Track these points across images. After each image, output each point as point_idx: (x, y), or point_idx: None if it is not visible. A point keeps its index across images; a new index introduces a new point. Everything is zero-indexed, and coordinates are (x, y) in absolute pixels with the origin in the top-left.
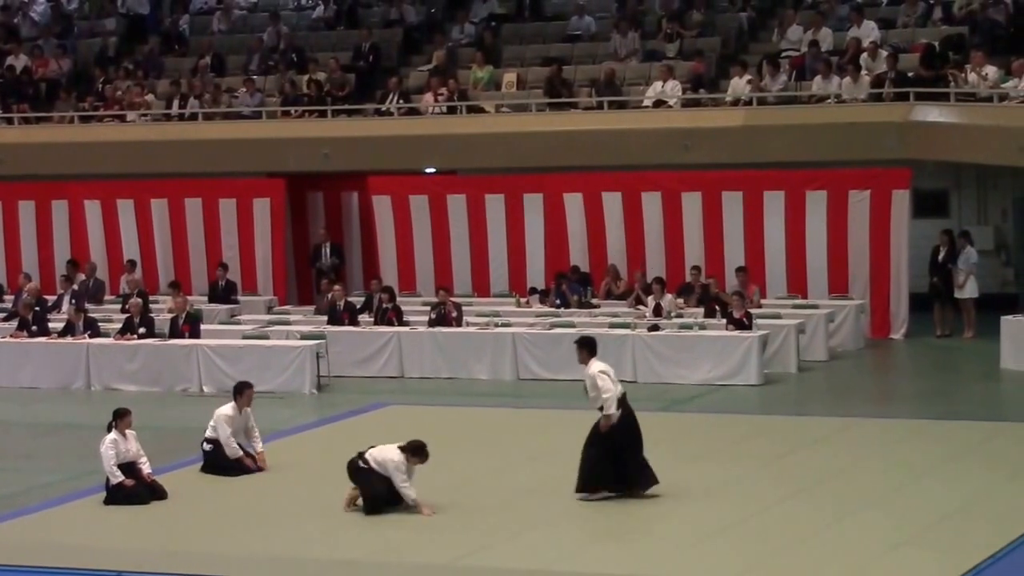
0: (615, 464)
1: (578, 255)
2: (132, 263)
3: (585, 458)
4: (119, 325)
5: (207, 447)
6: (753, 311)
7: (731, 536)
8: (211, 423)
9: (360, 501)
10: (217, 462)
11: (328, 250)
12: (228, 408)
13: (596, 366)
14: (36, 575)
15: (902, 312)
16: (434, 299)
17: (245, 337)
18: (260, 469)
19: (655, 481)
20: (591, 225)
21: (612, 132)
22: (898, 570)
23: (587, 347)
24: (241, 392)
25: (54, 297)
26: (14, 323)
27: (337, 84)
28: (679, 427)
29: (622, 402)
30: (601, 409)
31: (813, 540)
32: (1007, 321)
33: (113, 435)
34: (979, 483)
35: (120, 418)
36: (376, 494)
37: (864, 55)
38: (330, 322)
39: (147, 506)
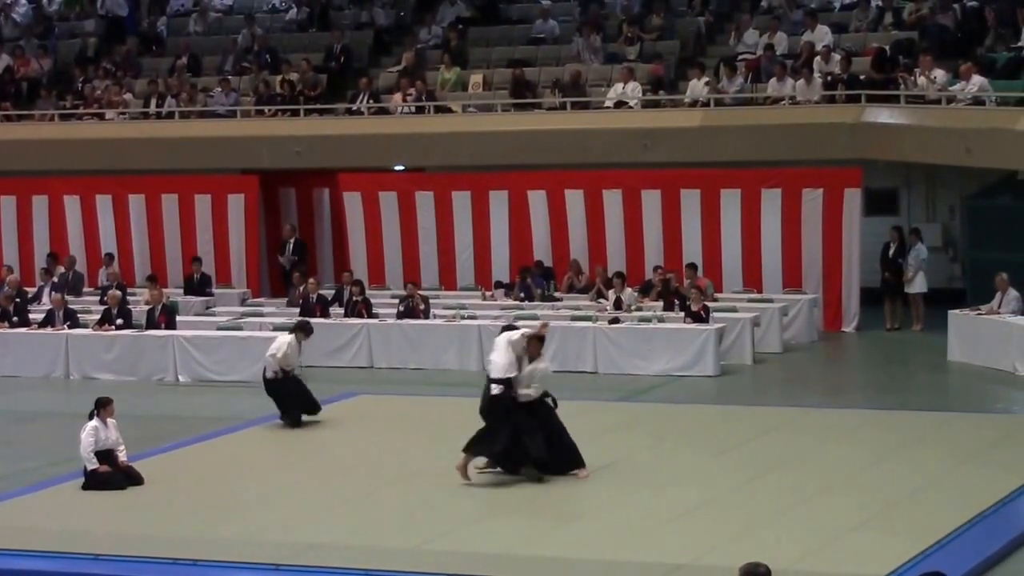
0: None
1: (542, 250)
2: (110, 256)
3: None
4: (98, 316)
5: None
6: (710, 304)
7: (693, 519)
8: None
9: None
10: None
11: (291, 247)
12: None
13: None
14: (16, 558)
15: (853, 306)
16: (403, 292)
17: (219, 328)
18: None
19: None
20: (554, 221)
21: (575, 132)
22: (856, 551)
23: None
24: None
25: (34, 289)
26: None
27: (309, 84)
28: (639, 416)
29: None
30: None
31: (773, 522)
32: (954, 315)
33: (95, 422)
34: (931, 469)
35: (103, 406)
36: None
37: (817, 58)
38: (302, 314)
39: (124, 491)
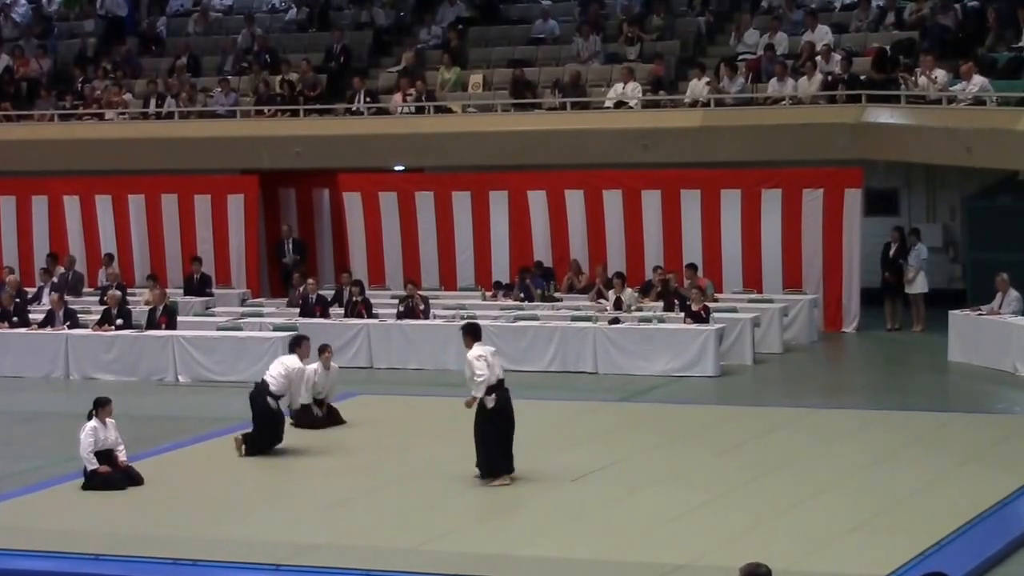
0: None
1: (541, 250)
2: (110, 256)
3: (479, 444)
4: (98, 316)
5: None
6: (710, 305)
7: (693, 519)
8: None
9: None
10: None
11: (290, 246)
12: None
13: (475, 351)
14: (16, 558)
15: (854, 306)
16: (402, 292)
17: (219, 329)
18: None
19: (507, 471)
20: (554, 221)
21: (575, 132)
22: (856, 551)
23: (470, 333)
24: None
25: (34, 289)
26: None
27: (309, 84)
28: (639, 416)
29: (496, 388)
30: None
31: (773, 522)
32: (954, 315)
33: (93, 423)
34: (931, 469)
35: (101, 407)
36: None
37: (818, 58)
38: (302, 314)
39: (123, 492)
